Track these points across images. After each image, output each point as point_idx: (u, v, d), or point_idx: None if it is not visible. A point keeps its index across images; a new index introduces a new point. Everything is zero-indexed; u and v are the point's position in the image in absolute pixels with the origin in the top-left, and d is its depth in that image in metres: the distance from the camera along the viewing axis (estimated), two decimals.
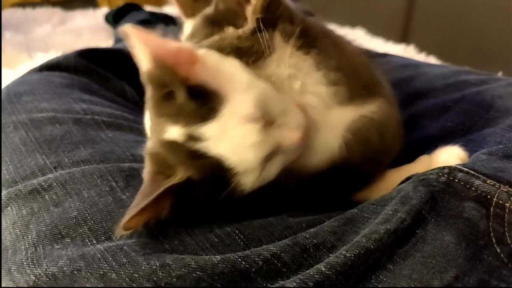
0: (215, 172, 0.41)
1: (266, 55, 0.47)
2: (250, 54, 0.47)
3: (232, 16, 0.49)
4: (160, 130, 0.43)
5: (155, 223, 0.43)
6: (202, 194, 0.43)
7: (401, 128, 0.56)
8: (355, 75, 0.51)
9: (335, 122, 0.49)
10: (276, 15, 0.48)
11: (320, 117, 0.49)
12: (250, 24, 0.47)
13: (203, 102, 0.41)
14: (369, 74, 0.54)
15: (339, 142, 0.49)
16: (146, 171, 0.45)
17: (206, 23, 0.51)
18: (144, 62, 0.40)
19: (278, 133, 0.43)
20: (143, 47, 0.39)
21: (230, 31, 0.49)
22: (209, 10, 0.51)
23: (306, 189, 0.50)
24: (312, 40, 0.50)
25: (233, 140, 0.41)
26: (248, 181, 0.42)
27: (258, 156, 0.41)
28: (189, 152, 0.41)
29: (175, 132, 0.42)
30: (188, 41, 0.52)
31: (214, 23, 0.50)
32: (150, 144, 0.46)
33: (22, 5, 2.06)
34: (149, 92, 0.43)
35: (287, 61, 0.48)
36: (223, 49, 0.47)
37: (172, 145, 0.42)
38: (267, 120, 0.42)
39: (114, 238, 0.42)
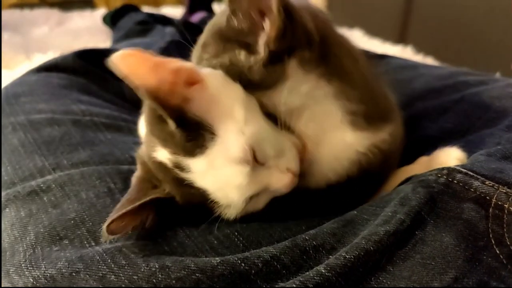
0: (199, 200, 0.42)
1: (277, 85, 0.43)
2: (261, 87, 0.44)
3: (245, 37, 0.43)
4: (151, 146, 0.43)
5: (153, 225, 0.43)
6: (185, 213, 0.43)
7: (402, 143, 0.56)
8: (374, 104, 0.49)
9: (342, 149, 0.48)
10: (292, 42, 0.43)
11: (327, 141, 0.47)
12: (262, 54, 0.42)
13: (193, 134, 0.40)
14: (385, 100, 0.52)
15: (341, 174, 0.48)
16: (135, 175, 0.45)
17: (218, 38, 0.46)
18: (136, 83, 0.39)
19: (267, 175, 0.43)
20: (133, 79, 0.37)
21: (241, 56, 0.44)
22: (222, 20, 0.45)
23: (308, 202, 0.49)
24: (334, 66, 0.45)
25: (219, 178, 0.41)
26: (232, 213, 0.42)
27: (243, 197, 0.41)
28: (175, 177, 0.42)
29: (163, 155, 0.42)
30: (200, 53, 0.48)
31: (226, 40, 0.45)
32: (142, 151, 0.46)
33: (20, 6, 2.06)
34: (145, 107, 0.43)
35: (301, 89, 0.44)
36: (232, 76, 0.44)
37: (160, 166, 0.42)
38: (257, 160, 0.42)
39: (112, 240, 0.41)
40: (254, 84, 0.43)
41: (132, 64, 0.37)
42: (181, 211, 0.43)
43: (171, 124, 0.39)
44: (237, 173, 0.40)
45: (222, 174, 0.40)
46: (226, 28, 0.44)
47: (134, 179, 0.45)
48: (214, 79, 0.43)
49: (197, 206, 0.42)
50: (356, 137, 0.47)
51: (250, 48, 0.43)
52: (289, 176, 0.43)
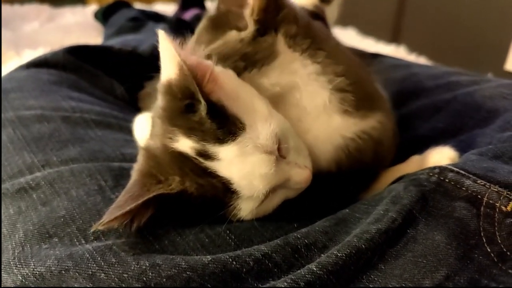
0: (217, 193, 0.41)
1: (269, 61, 0.46)
2: (255, 61, 0.46)
3: (234, 18, 0.47)
4: (168, 138, 0.42)
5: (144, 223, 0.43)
6: (191, 209, 0.42)
7: (396, 139, 0.56)
8: (360, 85, 0.50)
9: (328, 136, 0.49)
10: (278, 17, 0.47)
11: (314, 126, 0.48)
12: (250, 27, 0.46)
13: (222, 122, 0.40)
14: (373, 88, 0.54)
15: (329, 160, 0.49)
16: (137, 169, 0.44)
17: (209, 27, 0.50)
18: (169, 70, 0.40)
19: (289, 169, 0.43)
20: (174, 54, 0.39)
21: (232, 34, 0.47)
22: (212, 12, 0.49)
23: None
24: (318, 43, 0.48)
25: (246, 166, 0.40)
26: (246, 207, 0.42)
27: (267, 186, 0.41)
28: (196, 167, 0.41)
29: (186, 145, 0.41)
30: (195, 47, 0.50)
31: (217, 27, 0.48)
32: (150, 143, 0.45)
33: (10, 1, 2.03)
34: (163, 102, 0.42)
35: (290, 66, 0.47)
36: (229, 57, 0.46)
37: (178, 156, 0.41)
38: (281, 153, 0.42)
39: (102, 238, 0.41)
40: (247, 62, 0.46)
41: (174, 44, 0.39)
42: (183, 208, 0.42)
43: (203, 110, 0.39)
44: (264, 161, 0.41)
45: (249, 162, 0.40)
46: (215, 15, 0.48)
47: (136, 172, 0.44)
48: (228, 76, 0.44)
49: (208, 200, 0.41)
50: (343, 121, 0.48)
51: (239, 28, 0.47)
52: (307, 171, 0.44)
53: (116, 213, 0.38)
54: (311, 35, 0.48)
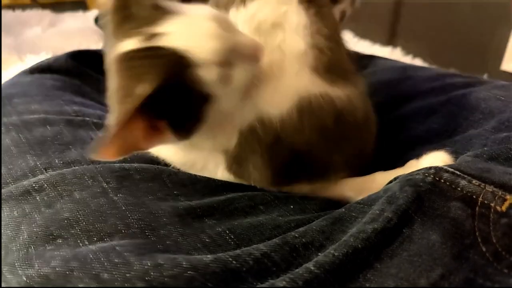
0: (175, 69, 0.42)
1: None
2: None
3: None
4: (114, 52, 0.44)
5: (146, 223, 0.44)
6: (173, 107, 0.43)
7: (371, 129, 0.57)
8: (337, 54, 0.52)
9: (296, 83, 0.50)
10: None
11: (286, 68, 0.50)
12: None
13: (163, 10, 0.43)
14: (348, 63, 0.55)
15: (291, 103, 0.49)
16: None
17: None
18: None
19: (236, 35, 0.46)
20: None
21: None
22: None
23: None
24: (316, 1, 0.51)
25: (193, 31, 0.43)
26: (210, 77, 0.43)
27: (216, 47, 0.43)
28: (146, 54, 0.42)
29: (130, 43, 0.43)
30: None
31: None
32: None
33: (12, 7, 2.04)
34: (109, 29, 0.45)
35: (280, 7, 0.50)
36: None
37: (128, 56, 0.43)
38: (225, 27, 0.45)
39: (106, 239, 0.42)
40: None
41: None
42: (166, 106, 0.43)
43: (144, 4, 0.43)
44: (210, 25, 0.43)
45: (196, 28, 0.43)
46: None
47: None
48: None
49: (175, 84, 0.42)
50: (311, 76, 0.50)
51: None
52: (254, 40, 0.47)
53: (105, 141, 0.38)
54: None
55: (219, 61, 0.43)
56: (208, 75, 0.43)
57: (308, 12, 0.51)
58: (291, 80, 0.50)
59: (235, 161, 0.52)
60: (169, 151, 0.55)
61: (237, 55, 0.45)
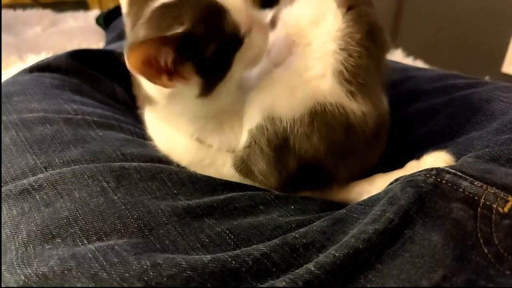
0: (210, 11, 0.45)
1: None
2: None
3: None
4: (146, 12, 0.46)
5: (145, 222, 0.43)
6: (201, 51, 0.45)
7: (379, 147, 0.57)
8: (366, 63, 0.51)
9: (314, 87, 0.50)
10: None
11: (307, 68, 0.51)
12: None
13: None
14: (377, 78, 0.55)
15: (305, 106, 0.49)
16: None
17: None
18: None
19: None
20: None
21: None
22: None
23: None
24: (354, 4, 0.53)
25: None
26: (240, 19, 0.46)
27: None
28: (182, 2, 0.44)
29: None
30: None
31: None
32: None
33: (13, 6, 2.05)
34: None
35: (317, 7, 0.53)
36: None
37: (164, 7, 0.45)
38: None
39: (104, 238, 0.41)
40: None
41: None
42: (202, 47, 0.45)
43: None
44: None
45: None
46: None
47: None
48: None
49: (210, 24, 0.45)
50: (332, 84, 0.50)
51: None
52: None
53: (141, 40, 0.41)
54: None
55: (245, 12, 0.47)
56: (238, 17, 0.46)
57: (345, 17, 0.51)
58: (310, 82, 0.50)
59: (242, 161, 0.53)
60: (178, 149, 0.56)
61: (254, 21, 0.49)
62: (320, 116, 0.49)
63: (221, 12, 0.45)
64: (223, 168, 0.54)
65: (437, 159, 0.50)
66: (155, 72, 0.43)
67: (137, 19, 0.46)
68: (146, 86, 0.49)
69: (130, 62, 0.41)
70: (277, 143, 0.50)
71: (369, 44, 0.51)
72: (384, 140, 0.57)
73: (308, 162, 0.51)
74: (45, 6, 2.12)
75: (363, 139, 0.52)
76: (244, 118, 0.52)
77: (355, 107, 0.50)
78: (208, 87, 0.48)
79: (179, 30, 0.42)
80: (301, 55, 0.52)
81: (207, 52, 0.45)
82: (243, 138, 0.52)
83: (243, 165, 0.53)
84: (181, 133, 0.55)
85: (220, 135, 0.53)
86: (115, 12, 1.61)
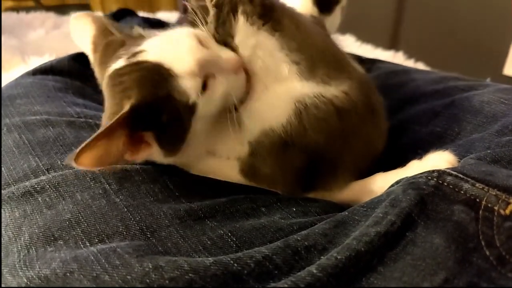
0: (157, 81, 0.45)
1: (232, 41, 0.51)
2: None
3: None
4: (107, 68, 0.48)
5: (147, 225, 0.44)
6: (155, 119, 0.45)
7: (377, 121, 0.57)
8: (318, 55, 0.53)
9: (288, 92, 0.51)
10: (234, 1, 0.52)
11: (273, 83, 0.52)
12: (211, 13, 0.52)
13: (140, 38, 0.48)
14: (334, 56, 0.56)
15: (288, 111, 0.50)
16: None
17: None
18: (89, 35, 0.50)
19: (216, 49, 0.49)
20: (89, 22, 0.52)
21: (203, 27, 0.53)
22: None
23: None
24: (275, 21, 0.53)
25: (170, 46, 0.47)
26: (189, 88, 0.45)
27: (194, 57, 0.45)
28: (131, 69, 0.45)
29: (118, 63, 0.47)
30: None
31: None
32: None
33: (16, 9, 2.06)
34: (95, 59, 0.50)
35: (249, 42, 0.51)
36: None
37: (116, 74, 0.46)
38: (205, 45, 0.48)
39: (106, 240, 0.42)
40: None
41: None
42: (150, 119, 0.45)
43: (121, 36, 0.50)
44: (187, 39, 0.47)
45: (173, 43, 0.47)
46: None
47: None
48: None
49: (159, 96, 0.44)
50: (299, 85, 0.52)
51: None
52: (235, 56, 0.50)
53: (83, 146, 0.41)
54: (268, 13, 0.53)
55: (198, 72, 0.45)
56: (188, 84, 0.45)
57: (272, 36, 0.52)
58: (282, 90, 0.52)
59: (248, 167, 0.53)
60: (187, 160, 0.56)
61: (216, 67, 0.47)
62: (306, 113, 0.50)
63: (168, 80, 0.45)
64: (231, 174, 0.55)
65: (440, 158, 0.50)
66: (113, 159, 0.45)
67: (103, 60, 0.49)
68: None
69: (82, 166, 0.42)
70: (277, 149, 0.51)
71: (303, 34, 0.54)
72: (379, 113, 0.58)
73: (312, 155, 0.51)
74: (48, 9, 2.13)
75: (358, 116, 0.53)
76: (243, 131, 0.52)
77: (334, 90, 0.52)
78: (172, 149, 0.49)
79: (126, 108, 0.43)
80: (260, 77, 0.53)
81: (161, 120, 0.45)
82: (245, 148, 0.53)
83: (249, 171, 0.54)
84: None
85: (226, 146, 0.54)
86: (118, 15, 1.61)
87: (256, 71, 0.52)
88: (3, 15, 1.93)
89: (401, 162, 0.55)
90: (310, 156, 0.52)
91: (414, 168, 0.51)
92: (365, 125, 0.55)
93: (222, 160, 0.55)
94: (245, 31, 0.51)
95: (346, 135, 0.53)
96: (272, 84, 0.52)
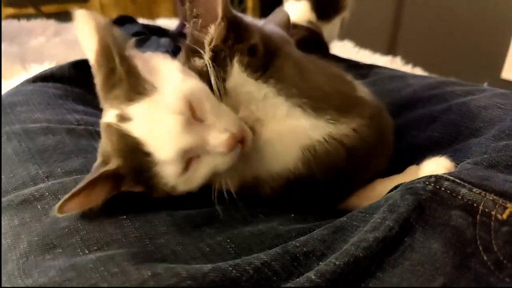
0: (135, 159, 0.43)
1: (221, 90, 0.49)
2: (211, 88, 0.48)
3: (198, 45, 0.50)
4: (103, 116, 0.46)
5: (145, 232, 0.44)
6: (132, 186, 0.46)
7: (386, 149, 0.57)
8: (323, 98, 0.51)
9: (296, 133, 0.50)
10: (233, 48, 0.49)
11: (279, 126, 0.50)
12: (206, 56, 0.49)
13: (136, 84, 0.43)
14: (342, 94, 0.54)
15: (295, 158, 0.49)
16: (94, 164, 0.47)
17: (185, 48, 0.53)
18: (92, 46, 0.44)
19: (205, 131, 0.43)
20: (93, 32, 0.43)
21: (196, 62, 0.50)
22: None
23: (283, 198, 0.51)
24: (274, 69, 0.50)
25: (155, 125, 0.42)
26: (169, 174, 0.43)
27: (177, 147, 0.42)
28: (117, 134, 0.43)
29: (111, 115, 0.44)
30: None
31: (189, 49, 0.51)
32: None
33: (17, 16, 2.07)
34: (97, 79, 0.47)
35: (243, 89, 0.49)
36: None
37: (107, 128, 0.45)
38: (195, 116, 0.43)
39: (104, 248, 0.42)
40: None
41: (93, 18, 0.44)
42: (127, 184, 0.46)
43: (120, 69, 0.43)
44: (174, 120, 0.41)
45: (158, 121, 0.42)
46: (188, 38, 0.51)
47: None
48: (156, 57, 0.49)
49: (137, 169, 0.44)
50: (310, 123, 0.49)
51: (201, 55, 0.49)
52: (227, 135, 0.43)
53: (66, 197, 0.41)
54: (268, 64, 0.51)
55: (179, 159, 0.42)
56: (167, 170, 0.43)
57: (268, 85, 0.50)
58: (288, 130, 0.50)
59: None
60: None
61: (202, 150, 0.44)
62: (314, 158, 0.49)
63: (148, 161, 0.43)
64: None
65: (437, 164, 0.50)
66: (97, 203, 0.45)
67: (104, 95, 0.47)
68: None
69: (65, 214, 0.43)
70: (282, 187, 0.51)
71: (300, 71, 0.52)
72: (389, 139, 0.57)
73: (317, 187, 0.51)
74: (48, 16, 2.14)
75: (367, 153, 0.52)
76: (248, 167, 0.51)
77: (344, 128, 0.50)
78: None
79: (110, 166, 0.44)
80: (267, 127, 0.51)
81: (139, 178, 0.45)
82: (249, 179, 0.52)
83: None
84: None
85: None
86: (118, 22, 1.62)
87: (256, 116, 0.50)
88: (4, 22, 1.94)
89: (399, 167, 0.55)
90: (315, 187, 0.51)
91: (413, 173, 0.51)
92: (374, 157, 0.54)
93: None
94: (237, 79, 0.49)
95: (355, 169, 0.52)
96: (277, 124, 0.50)
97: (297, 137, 0.49)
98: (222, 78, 0.49)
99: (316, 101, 0.50)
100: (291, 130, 0.50)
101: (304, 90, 0.50)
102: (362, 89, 0.56)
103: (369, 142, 0.52)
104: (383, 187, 0.50)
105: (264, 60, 0.50)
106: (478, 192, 0.39)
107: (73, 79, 0.79)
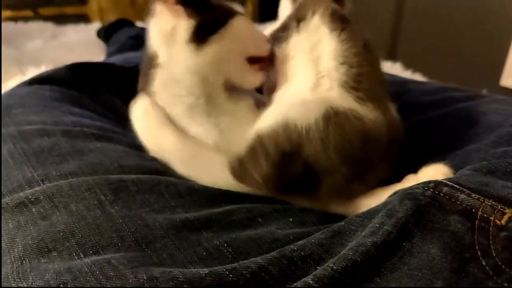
0: None
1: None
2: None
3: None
4: None
5: (142, 236, 0.43)
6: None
7: (393, 155, 0.56)
8: (368, 71, 0.55)
9: (324, 96, 0.53)
10: None
11: (315, 87, 0.54)
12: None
13: None
14: (381, 87, 0.57)
15: (319, 111, 0.49)
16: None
17: None
18: None
19: None
20: None
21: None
22: None
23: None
24: (351, 32, 0.56)
25: None
26: None
27: None
28: None
29: None
30: None
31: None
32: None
33: (14, 19, 2.07)
34: None
35: (314, 36, 0.56)
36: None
37: None
38: None
39: (101, 252, 0.41)
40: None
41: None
42: None
43: None
44: None
45: None
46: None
47: None
48: None
49: None
50: (337, 91, 0.53)
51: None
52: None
53: None
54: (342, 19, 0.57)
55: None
56: None
57: (340, 37, 0.55)
58: (320, 94, 0.53)
59: (241, 163, 0.52)
60: (166, 144, 0.57)
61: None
62: (334, 120, 0.49)
63: None
64: (216, 169, 0.54)
65: (436, 171, 0.50)
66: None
67: None
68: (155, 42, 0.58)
69: None
70: (287, 148, 0.49)
71: (366, 54, 0.55)
72: (396, 149, 0.57)
73: (316, 170, 0.50)
74: (46, 19, 2.14)
75: (379, 149, 0.52)
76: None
77: (368, 112, 0.52)
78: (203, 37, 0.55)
79: None
80: (306, 77, 0.55)
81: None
82: (247, 139, 0.51)
83: (240, 168, 0.52)
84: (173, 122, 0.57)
85: (215, 128, 0.56)
86: (116, 25, 1.62)
87: (308, 67, 0.55)
88: (1, 25, 1.94)
89: (399, 172, 0.55)
90: (311, 172, 0.50)
91: (411, 182, 0.51)
92: (383, 159, 0.54)
93: (205, 150, 0.56)
94: (314, 25, 0.56)
95: (364, 164, 0.52)
96: (314, 84, 0.55)
97: (326, 98, 0.52)
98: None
99: (361, 68, 0.54)
100: (323, 93, 0.54)
101: (359, 54, 0.55)
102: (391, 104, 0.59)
103: (382, 139, 0.52)
104: (382, 194, 0.50)
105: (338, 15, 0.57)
106: (477, 197, 0.40)
107: (70, 82, 0.79)
